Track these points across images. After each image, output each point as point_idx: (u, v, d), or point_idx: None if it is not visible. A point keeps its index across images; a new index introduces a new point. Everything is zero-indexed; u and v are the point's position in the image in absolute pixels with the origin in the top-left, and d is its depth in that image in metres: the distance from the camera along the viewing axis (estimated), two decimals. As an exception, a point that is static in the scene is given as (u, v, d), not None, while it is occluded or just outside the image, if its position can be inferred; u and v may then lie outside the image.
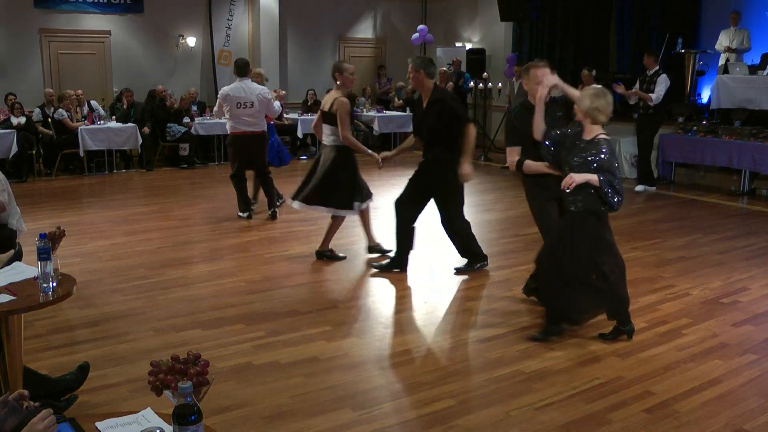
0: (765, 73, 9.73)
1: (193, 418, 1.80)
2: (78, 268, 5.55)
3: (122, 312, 4.78)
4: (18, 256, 3.48)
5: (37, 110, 10.70)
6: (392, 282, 5.52)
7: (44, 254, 2.94)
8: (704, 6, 11.82)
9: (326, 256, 6.11)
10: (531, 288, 5.02)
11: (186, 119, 11.47)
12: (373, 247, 6.27)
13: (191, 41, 13.50)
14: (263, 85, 7.76)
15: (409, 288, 5.45)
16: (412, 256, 5.80)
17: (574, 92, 4.37)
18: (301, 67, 14.76)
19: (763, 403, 3.53)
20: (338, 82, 5.87)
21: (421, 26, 14.62)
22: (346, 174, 5.84)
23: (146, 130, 11.10)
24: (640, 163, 9.82)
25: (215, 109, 7.53)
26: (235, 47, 13.70)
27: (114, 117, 11.27)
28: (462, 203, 5.65)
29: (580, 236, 4.10)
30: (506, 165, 5.61)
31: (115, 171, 11.01)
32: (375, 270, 5.81)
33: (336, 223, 6.10)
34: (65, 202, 8.71)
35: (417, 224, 5.71)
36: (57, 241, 3.21)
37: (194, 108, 12.05)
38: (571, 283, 4.17)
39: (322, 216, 6.35)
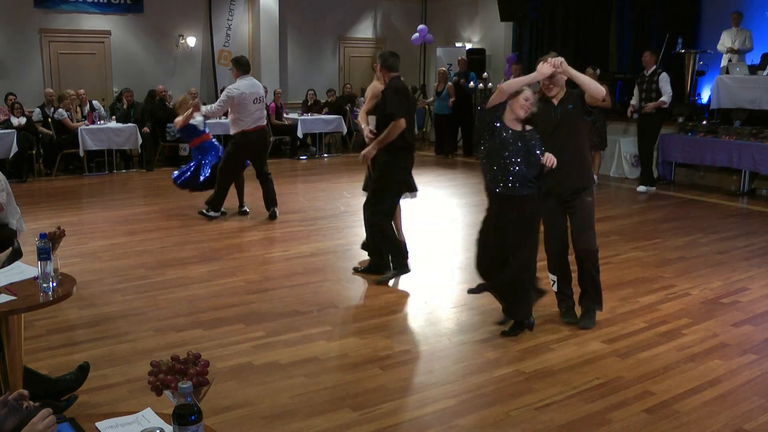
0: (765, 73, 9.72)
1: (193, 418, 1.80)
2: (78, 268, 5.54)
3: (122, 312, 4.78)
4: (17, 254, 3.47)
5: (37, 110, 10.69)
6: (392, 282, 5.52)
7: (44, 254, 2.94)
8: (704, 6, 11.81)
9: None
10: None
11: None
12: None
13: (191, 41, 13.49)
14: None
15: (409, 288, 5.45)
16: (412, 257, 5.78)
17: (581, 77, 4.19)
18: (301, 67, 14.76)
19: (763, 403, 3.53)
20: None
21: (421, 26, 14.61)
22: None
23: (146, 130, 11.11)
24: (643, 164, 9.81)
25: (215, 106, 7.48)
26: (235, 47, 13.70)
27: (114, 117, 11.28)
28: (391, 204, 5.52)
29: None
30: None
31: (115, 171, 11.02)
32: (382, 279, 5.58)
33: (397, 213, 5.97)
34: (65, 202, 8.71)
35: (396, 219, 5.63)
36: (57, 241, 3.20)
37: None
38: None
39: (322, 216, 6.33)
